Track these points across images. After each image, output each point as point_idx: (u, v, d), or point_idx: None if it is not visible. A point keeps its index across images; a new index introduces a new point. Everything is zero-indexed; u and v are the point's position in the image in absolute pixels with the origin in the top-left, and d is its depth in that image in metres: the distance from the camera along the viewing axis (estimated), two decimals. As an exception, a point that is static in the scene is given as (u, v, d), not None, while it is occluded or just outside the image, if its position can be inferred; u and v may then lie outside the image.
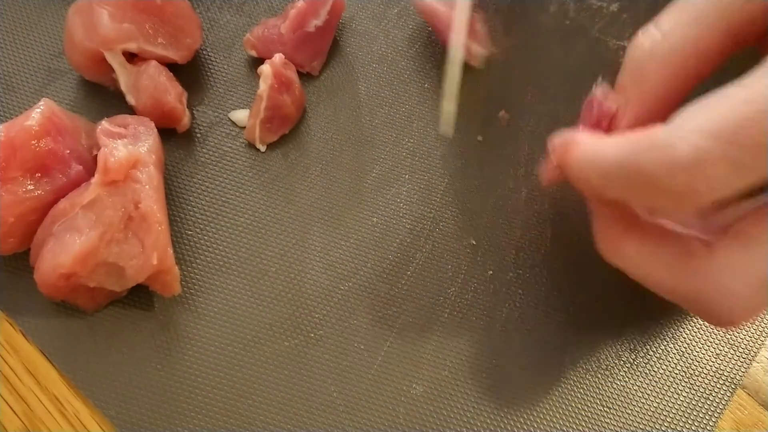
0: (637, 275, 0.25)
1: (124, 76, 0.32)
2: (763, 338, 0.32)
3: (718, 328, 0.32)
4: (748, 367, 0.32)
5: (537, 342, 0.32)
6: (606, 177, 0.23)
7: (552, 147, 0.26)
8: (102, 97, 0.35)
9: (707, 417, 0.31)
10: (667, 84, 0.25)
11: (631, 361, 0.31)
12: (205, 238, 0.33)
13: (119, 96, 0.33)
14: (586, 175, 0.24)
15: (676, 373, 0.31)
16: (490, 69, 0.37)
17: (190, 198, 0.33)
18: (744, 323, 0.23)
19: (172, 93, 0.32)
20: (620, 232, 0.26)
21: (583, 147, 0.25)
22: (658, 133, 0.22)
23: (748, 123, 0.20)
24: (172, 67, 0.33)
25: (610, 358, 0.31)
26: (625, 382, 0.31)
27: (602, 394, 0.31)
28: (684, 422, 0.30)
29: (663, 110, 0.25)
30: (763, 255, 0.22)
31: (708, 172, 0.20)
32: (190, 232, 0.33)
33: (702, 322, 0.32)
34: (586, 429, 0.30)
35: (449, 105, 0.30)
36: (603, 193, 0.24)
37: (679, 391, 0.31)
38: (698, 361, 0.31)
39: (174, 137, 0.34)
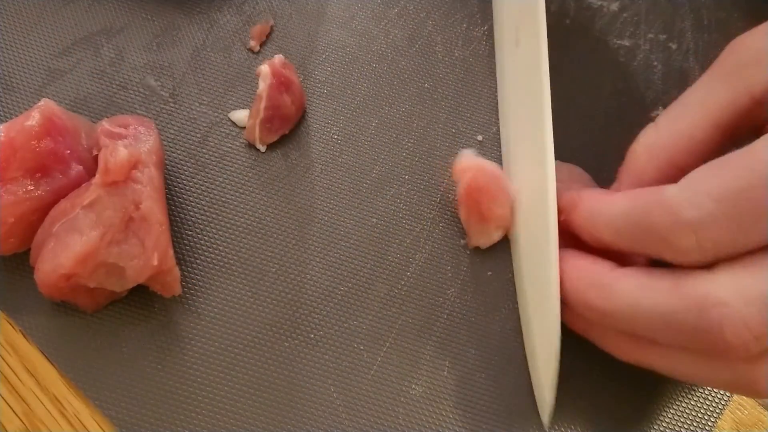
0: (635, 310, 0.24)
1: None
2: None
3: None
4: (748, 368, 0.32)
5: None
6: (616, 231, 0.25)
7: (560, 205, 0.28)
8: (102, 97, 0.35)
9: (707, 417, 0.31)
10: (658, 173, 0.27)
11: (631, 361, 0.31)
12: (206, 238, 0.33)
13: (119, 96, 0.33)
14: (594, 229, 0.26)
15: (676, 374, 0.31)
16: (490, 69, 0.37)
17: (191, 198, 0.33)
18: (740, 350, 0.22)
19: None
20: (609, 273, 0.26)
21: (591, 203, 0.26)
22: (666, 192, 0.23)
23: (750, 189, 0.21)
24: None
25: (610, 358, 0.31)
26: (625, 382, 0.31)
27: (602, 394, 0.31)
28: (684, 422, 0.30)
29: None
30: (765, 274, 0.22)
31: (713, 234, 0.22)
32: (190, 233, 0.33)
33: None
34: (587, 429, 0.30)
35: (550, 395, 0.27)
36: (610, 246, 0.26)
37: (679, 391, 0.31)
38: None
39: (174, 137, 0.34)
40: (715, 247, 0.22)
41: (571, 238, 0.28)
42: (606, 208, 0.26)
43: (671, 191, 0.23)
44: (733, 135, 0.26)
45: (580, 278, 0.26)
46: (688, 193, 0.23)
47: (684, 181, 0.23)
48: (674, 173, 0.26)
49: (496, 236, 0.32)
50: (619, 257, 0.27)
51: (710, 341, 0.22)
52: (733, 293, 0.22)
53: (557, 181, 0.29)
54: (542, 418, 0.29)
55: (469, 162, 0.32)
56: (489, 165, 0.32)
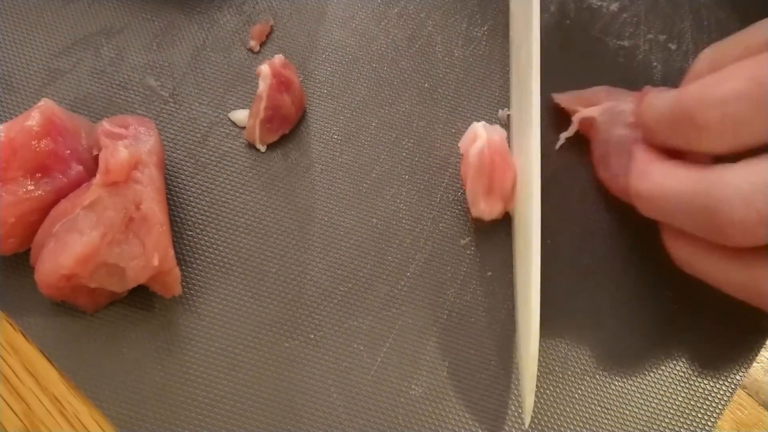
0: (663, 193, 0.27)
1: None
2: (763, 338, 0.32)
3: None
4: (748, 367, 0.32)
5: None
6: (658, 117, 0.28)
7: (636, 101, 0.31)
8: (102, 97, 0.35)
9: (707, 417, 0.31)
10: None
11: (631, 360, 0.31)
12: (206, 238, 0.33)
13: (119, 96, 0.33)
14: (645, 116, 0.29)
15: (676, 373, 0.31)
16: (490, 69, 0.37)
17: (191, 198, 0.33)
18: (747, 232, 0.24)
19: None
20: (652, 161, 0.28)
21: (650, 96, 0.29)
22: (705, 79, 0.26)
23: None
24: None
25: (610, 358, 0.31)
26: (625, 382, 0.31)
27: (602, 394, 0.31)
28: (684, 422, 0.30)
29: None
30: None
31: (733, 108, 0.24)
32: (190, 233, 0.33)
33: (702, 322, 0.32)
34: (586, 429, 0.30)
35: (530, 397, 0.27)
36: (656, 133, 0.28)
37: (679, 391, 0.31)
38: (698, 361, 0.31)
39: (174, 137, 0.34)
40: (737, 126, 0.24)
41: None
42: (655, 100, 0.28)
43: (708, 78, 0.25)
44: None
45: (634, 168, 0.29)
46: (718, 75, 0.25)
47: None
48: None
49: (498, 209, 0.32)
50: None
51: (718, 222, 0.24)
52: (742, 178, 0.24)
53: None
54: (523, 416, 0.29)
55: (479, 132, 0.32)
56: (498, 137, 0.32)
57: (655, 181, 0.27)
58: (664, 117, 0.27)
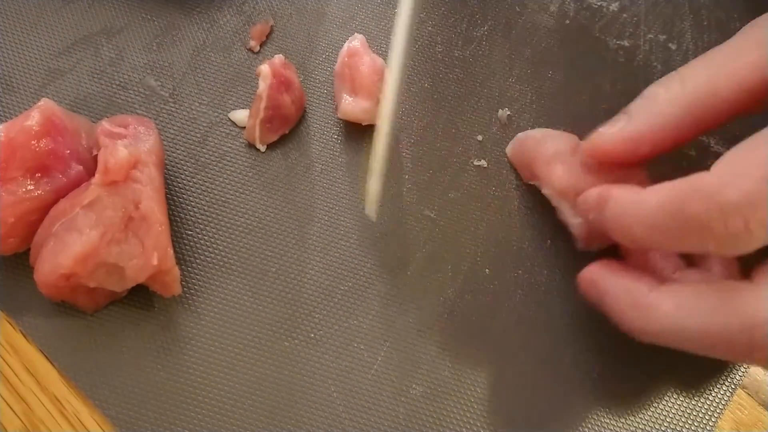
0: (680, 331, 0.24)
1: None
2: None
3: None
4: (748, 367, 0.32)
5: (536, 342, 0.32)
6: (651, 227, 0.24)
7: (584, 203, 0.27)
8: (102, 97, 0.35)
9: (707, 417, 0.31)
10: (676, 120, 0.26)
11: (631, 360, 0.31)
12: (205, 238, 0.33)
13: (119, 96, 0.33)
14: (627, 226, 0.25)
15: (677, 373, 0.31)
16: (490, 69, 0.37)
17: (191, 198, 0.33)
18: None
19: None
20: (646, 294, 0.25)
21: (623, 200, 0.25)
22: (704, 179, 0.22)
23: None
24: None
25: (610, 358, 0.31)
26: (625, 382, 0.31)
27: (602, 394, 0.31)
28: (684, 422, 0.30)
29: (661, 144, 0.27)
30: None
31: (760, 215, 0.21)
32: (190, 233, 0.33)
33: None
34: (586, 429, 0.30)
35: (375, 184, 0.27)
36: (645, 243, 0.25)
37: (679, 391, 0.31)
38: (698, 361, 0.31)
39: (174, 137, 0.34)
40: (762, 229, 0.21)
41: (601, 236, 0.28)
42: (638, 204, 0.24)
43: (708, 177, 0.22)
44: (756, 103, 0.25)
45: (621, 299, 0.26)
46: (727, 177, 0.22)
47: (719, 166, 0.22)
48: (691, 124, 0.26)
49: (362, 106, 0.33)
50: (652, 264, 0.27)
51: (749, 348, 0.22)
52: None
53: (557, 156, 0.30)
54: (368, 209, 0.29)
55: (353, 42, 0.34)
56: (358, 42, 0.34)
57: (670, 320, 0.24)
58: (657, 225, 0.24)
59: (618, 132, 0.28)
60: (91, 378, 0.30)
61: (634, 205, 0.25)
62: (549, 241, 0.33)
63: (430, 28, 0.38)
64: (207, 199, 0.33)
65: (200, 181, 0.34)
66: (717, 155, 0.23)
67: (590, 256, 0.33)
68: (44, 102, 0.29)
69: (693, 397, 0.31)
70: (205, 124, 0.35)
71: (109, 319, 0.31)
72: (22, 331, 0.31)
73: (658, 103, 0.27)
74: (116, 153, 0.28)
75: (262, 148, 0.34)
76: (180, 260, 0.32)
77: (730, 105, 0.25)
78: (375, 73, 0.33)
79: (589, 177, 0.29)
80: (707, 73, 0.26)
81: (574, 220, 0.30)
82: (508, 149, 0.35)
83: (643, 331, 0.25)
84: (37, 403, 0.30)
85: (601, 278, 0.27)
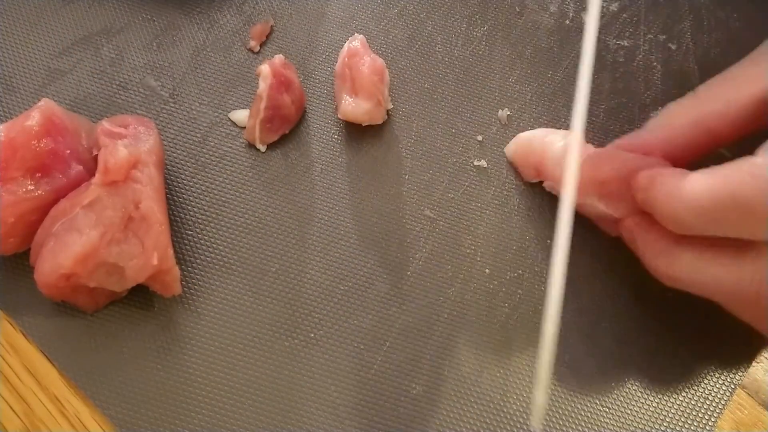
0: (696, 281, 0.26)
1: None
2: (763, 339, 0.32)
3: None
4: (748, 367, 0.32)
5: (536, 342, 0.31)
6: (698, 212, 0.24)
7: (636, 185, 0.27)
8: (102, 97, 0.35)
9: (707, 417, 0.31)
10: (689, 130, 0.28)
11: (632, 360, 0.31)
12: (205, 238, 0.33)
13: (119, 96, 0.33)
14: (674, 211, 0.25)
15: (676, 373, 0.31)
16: (490, 69, 0.37)
17: (191, 198, 0.33)
18: None
19: None
20: (673, 245, 0.27)
21: (671, 184, 0.25)
22: (755, 162, 0.22)
23: None
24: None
25: (610, 358, 0.31)
26: (626, 382, 0.31)
27: (602, 394, 0.31)
28: (684, 422, 0.30)
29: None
30: None
31: None
32: (190, 232, 0.33)
33: (701, 322, 0.32)
34: (586, 429, 0.30)
35: (542, 396, 0.25)
36: (691, 227, 0.25)
37: (679, 391, 0.31)
38: (698, 361, 0.31)
39: (174, 137, 0.34)
40: None
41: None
42: (686, 188, 0.24)
43: (760, 160, 0.22)
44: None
45: (652, 247, 0.28)
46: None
47: (766, 150, 0.23)
48: (703, 135, 0.27)
49: (364, 107, 0.33)
50: None
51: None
52: None
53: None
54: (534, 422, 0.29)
55: (353, 43, 0.34)
56: (358, 42, 0.34)
57: (690, 267, 0.26)
58: (704, 209, 0.24)
59: (628, 141, 0.29)
60: (91, 378, 0.30)
61: (682, 189, 0.25)
62: (549, 241, 0.33)
63: (430, 28, 0.38)
64: (207, 199, 0.33)
65: (200, 181, 0.34)
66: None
67: (590, 256, 0.33)
68: (44, 102, 0.29)
69: (693, 397, 0.31)
70: (205, 124, 0.35)
71: (109, 319, 0.31)
72: (22, 331, 0.31)
73: (671, 114, 0.28)
74: (116, 153, 0.28)
75: (262, 148, 0.34)
76: (180, 260, 0.32)
77: (744, 118, 0.26)
78: (375, 74, 0.33)
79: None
80: (721, 87, 0.27)
81: (599, 209, 0.30)
82: (508, 149, 0.35)
83: (668, 276, 0.27)
84: (37, 403, 0.30)
85: (637, 227, 0.29)
